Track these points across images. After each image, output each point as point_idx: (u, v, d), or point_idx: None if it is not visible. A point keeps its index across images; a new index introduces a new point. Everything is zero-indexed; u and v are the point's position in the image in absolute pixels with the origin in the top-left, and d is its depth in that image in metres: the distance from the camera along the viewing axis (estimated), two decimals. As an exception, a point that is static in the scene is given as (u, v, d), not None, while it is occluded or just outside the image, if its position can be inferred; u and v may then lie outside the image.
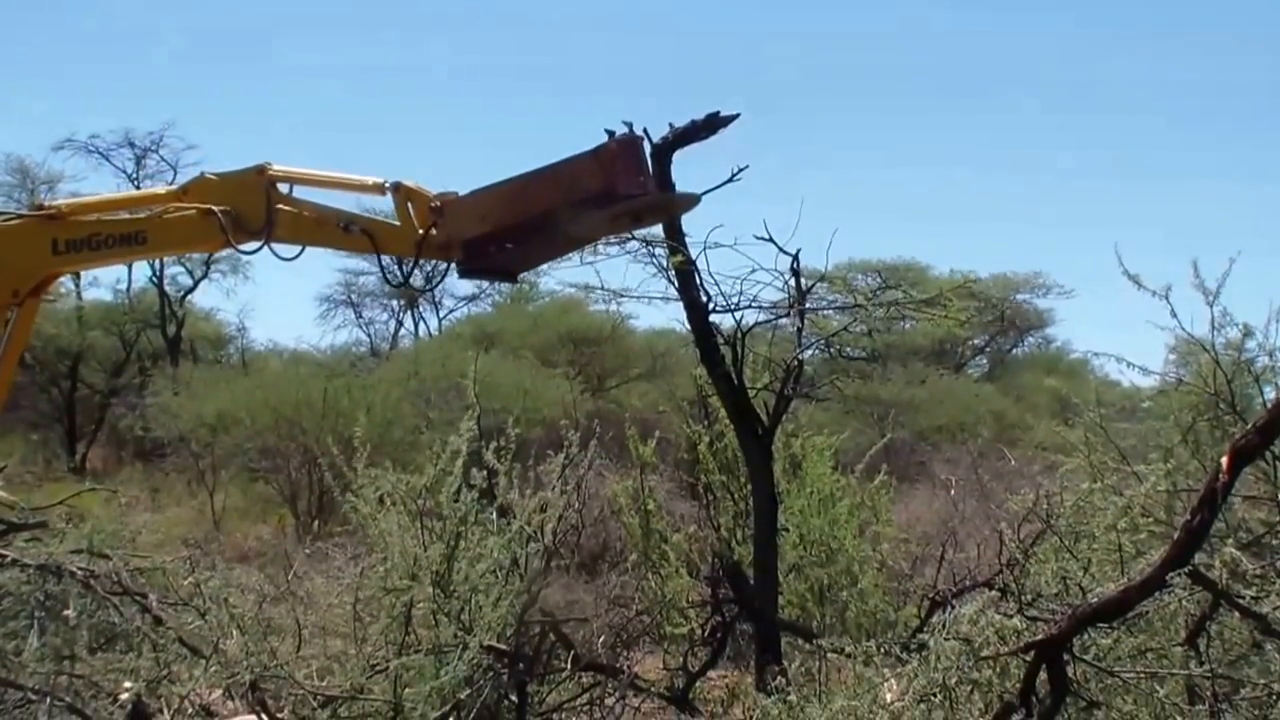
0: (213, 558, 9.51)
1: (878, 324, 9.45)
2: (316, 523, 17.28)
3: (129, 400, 26.50)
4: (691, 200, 7.01)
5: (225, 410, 20.58)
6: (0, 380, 7.30)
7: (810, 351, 10.32)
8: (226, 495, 19.94)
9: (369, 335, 35.68)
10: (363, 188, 7.28)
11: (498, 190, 6.39)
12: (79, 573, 6.82)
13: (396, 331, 35.98)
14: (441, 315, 35.04)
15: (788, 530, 8.97)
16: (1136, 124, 60.96)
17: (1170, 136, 59.72)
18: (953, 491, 9.96)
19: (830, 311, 9.37)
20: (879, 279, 30.06)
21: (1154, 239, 44.99)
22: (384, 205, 7.06)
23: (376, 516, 6.67)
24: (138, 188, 30.39)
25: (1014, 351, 38.72)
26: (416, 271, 6.89)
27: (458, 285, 33.72)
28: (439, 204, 6.38)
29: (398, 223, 6.50)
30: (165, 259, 27.14)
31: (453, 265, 6.58)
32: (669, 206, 7.21)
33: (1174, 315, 5.65)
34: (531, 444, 7.62)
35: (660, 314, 52.22)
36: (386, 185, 6.75)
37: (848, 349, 11.61)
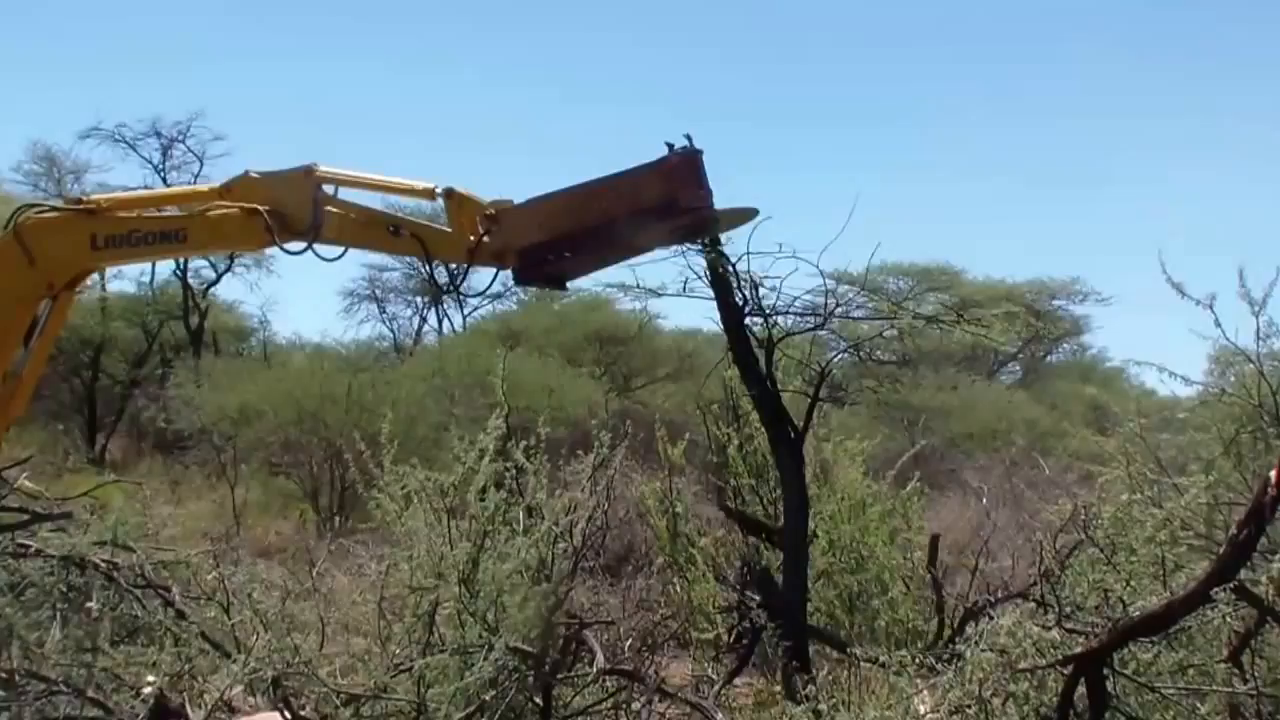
0: (235, 552, 9.49)
1: (913, 326, 9.33)
2: (338, 519, 17.27)
3: (150, 391, 26.54)
4: (748, 214, 7.00)
5: (248, 403, 20.56)
6: (31, 372, 7.28)
7: (840, 355, 10.21)
8: (247, 489, 19.91)
9: (393, 331, 35.74)
10: (412, 192, 7.24)
11: (556, 199, 6.40)
12: (102, 565, 6.80)
13: (420, 327, 36.00)
14: (466, 312, 35.03)
15: (817, 536, 8.87)
16: (1180, 127, 60.57)
17: (1213, 140, 59.14)
18: (985, 500, 9.83)
19: (860, 314, 9.24)
20: (912, 283, 30.03)
21: (1198, 246, 44.56)
22: (409, 205, 7.05)
23: (402, 514, 6.60)
24: (164, 178, 30.60)
25: (1049, 358, 38.51)
26: (445, 270, 6.84)
27: (482, 283, 33.67)
28: (493, 211, 6.36)
29: (448, 228, 6.47)
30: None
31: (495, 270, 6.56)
32: (728, 220, 7.20)
33: (1218, 324, 5.53)
34: (558, 444, 7.54)
35: (689, 313, 52.20)
36: (438, 190, 6.72)
37: (878, 353, 11.55)
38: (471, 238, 6.32)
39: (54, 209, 6.95)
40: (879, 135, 61.38)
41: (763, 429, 8.64)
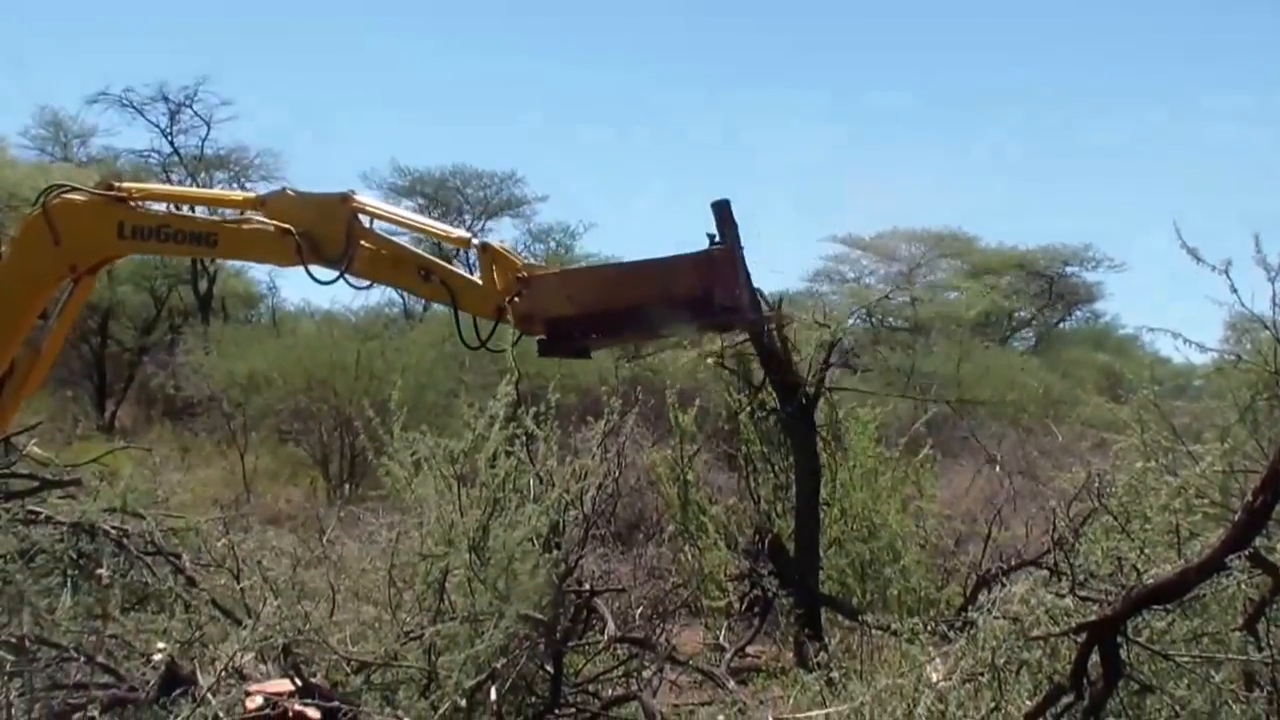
0: (245, 520, 9.47)
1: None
2: (348, 486, 17.27)
3: (159, 358, 26.53)
4: (776, 317, 6.99)
5: (257, 370, 20.54)
6: (48, 351, 7.29)
7: (852, 321, 10.15)
8: (257, 457, 19.93)
9: (402, 298, 35.62)
10: (447, 238, 7.24)
11: (588, 275, 6.40)
12: (112, 531, 6.77)
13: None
14: (474, 276, 34.81)
15: (829, 504, 8.83)
16: (1192, 92, 60.04)
17: (1230, 105, 58.57)
18: (998, 468, 9.78)
19: (871, 281, 9.18)
20: (924, 249, 29.92)
21: (1214, 212, 44.22)
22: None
23: (412, 481, 6.57)
24: (171, 142, 30.55)
25: (1061, 325, 38.22)
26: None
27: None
28: (526, 275, 6.32)
29: (479, 281, 6.44)
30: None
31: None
32: (757, 323, 7.19)
33: (1234, 290, 5.45)
34: (569, 411, 7.49)
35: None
36: (474, 242, 6.69)
37: (890, 320, 11.52)
38: (503, 296, 6.30)
39: (85, 192, 6.93)
40: (891, 98, 61.01)
41: (775, 395, 8.61)
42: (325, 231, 6.51)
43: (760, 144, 60.17)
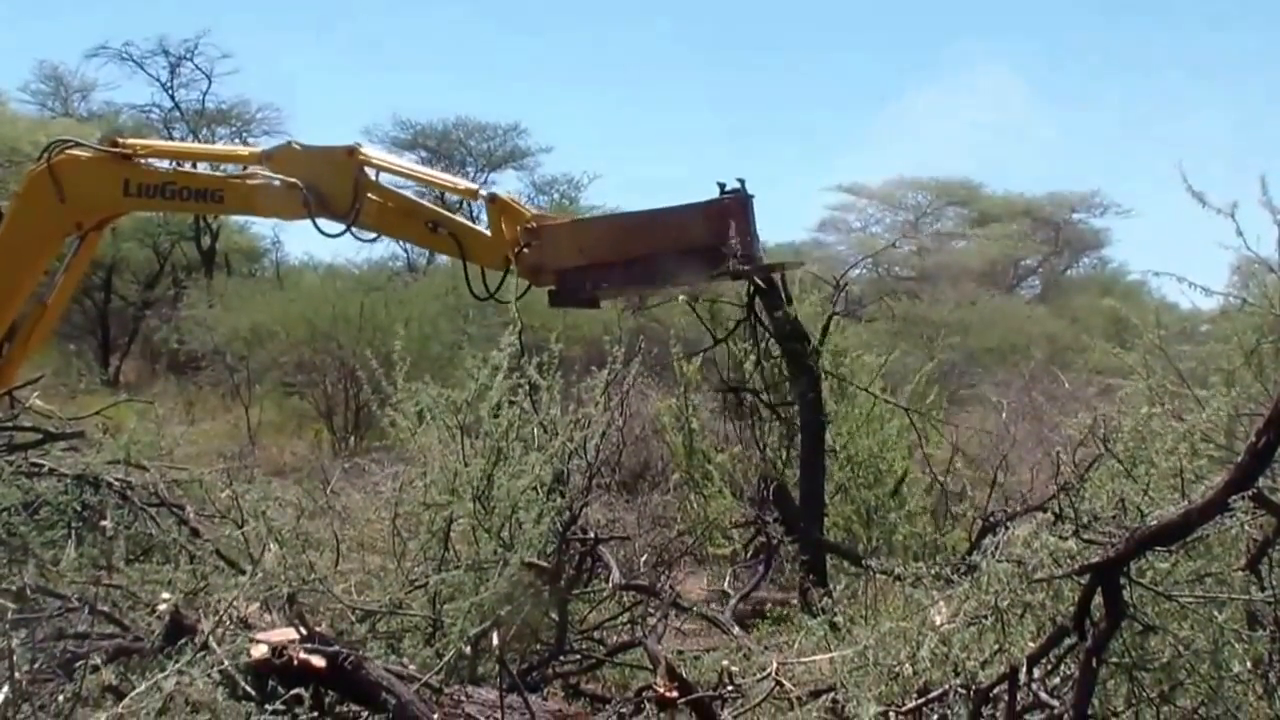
0: (250, 472, 9.48)
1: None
2: (352, 438, 17.30)
3: (163, 313, 26.54)
4: (791, 264, 6.93)
5: (260, 323, 20.52)
6: (54, 306, 7.28)
7: (858, 270, 10.10)
8: (261, 409, 19.97)
9: (405, 250, 35.56)
10: (454, 189, 7.15)
11: (600, 225, 6.36)
12: (116, 483, 6.77)
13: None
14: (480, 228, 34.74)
15: (835, 451, 8.81)
16: (1199, 33, 59.43)
17: (1234, 44, 57.93)
18: (1004, 415, 9.74)
19: (877, 230, 9.11)
20: (930, 197, 29.71)
21: (1221, 153, 43.79)
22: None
23: (416, 431, 6.55)
24: (172, 96, 30.37)
25: (1068, 272, 38.03)
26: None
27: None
28: (535, 225, 6.25)
29: (487, 232, 6.36)
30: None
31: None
32: (769, 269, 7.12)
33: (1240, 234, 5.39)
34: (573, 361, 7.46)
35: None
36: (482, 193, 6.62)
37: (896, 269, 11.45)
38: (511, 248, 6.23)
39: (90, 148, 6.86)
40: (892, 46, 60.45)
41: (779, 343, 8.55)
42: (332, 185, 6.47)
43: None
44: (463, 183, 6.73)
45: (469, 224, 6.67)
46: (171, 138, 29.76)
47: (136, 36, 32.00)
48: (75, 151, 6.80)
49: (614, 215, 6.27)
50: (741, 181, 6.43)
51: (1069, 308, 28.87)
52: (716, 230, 6.20)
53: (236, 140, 30.58)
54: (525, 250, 6.22)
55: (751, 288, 7.74)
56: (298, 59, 54.88)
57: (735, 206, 6.15)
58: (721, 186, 6.26)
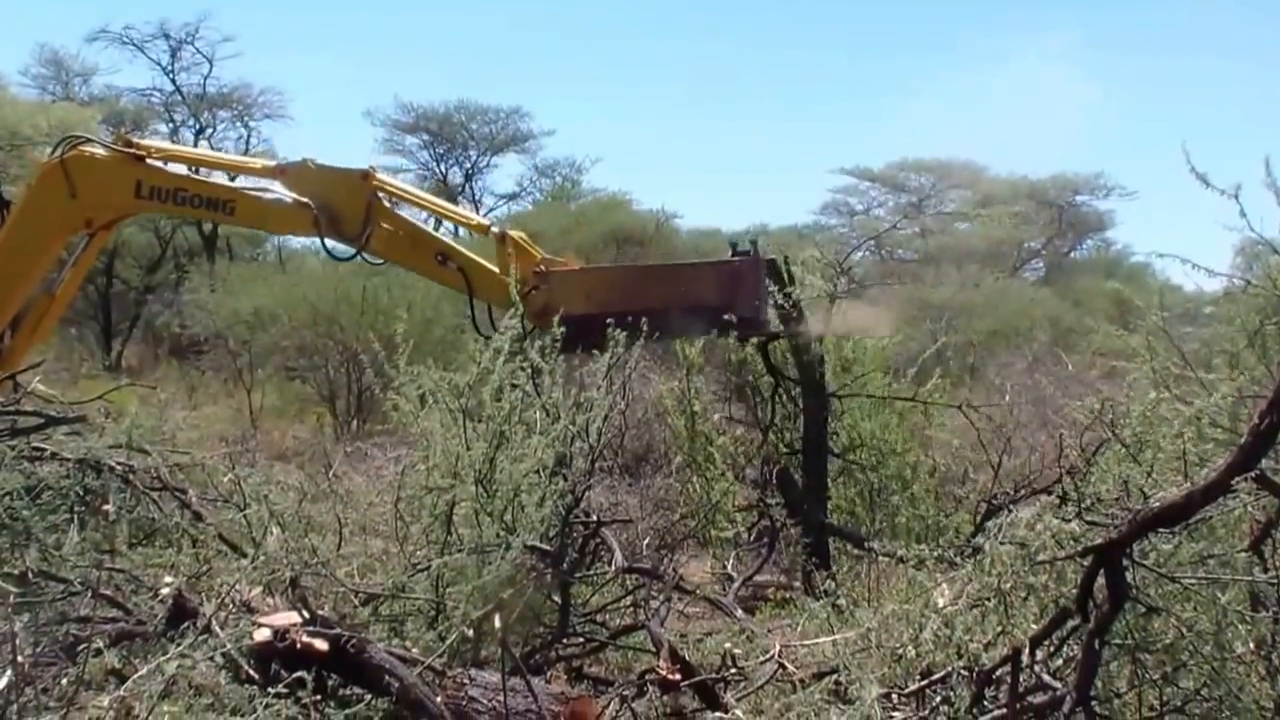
0: (252, 455, 9.48)
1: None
2: (355, 422, 17.29)
3: (165, 297, 26.52)
4: (794, 334, 6.94)
5: (263, 307, 20.46)
6: (62, 298, 7.28)
7: (860, 253, 10.08)
8: (263, 394, 19.95)
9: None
10: (466, 223, 7.15)
11: (610, 274, 6.39)
12: (118, 468, 6.76)
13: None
14: (482, 214, 34.73)
15: (837, 434, 8.80)
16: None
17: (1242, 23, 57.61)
18: (1008, 397, 9.72)
19: (880, 213, 9.11)
20: (933, 179, 29.61)
21: (1227, 135, 43.64)
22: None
23: (418, 415, 6.54)
24: (173, 79, 30.31)
25: (1072, 255, 37.93)
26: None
27: (496, 184, 33.37)
28: (545, 269, 6.25)
29: (495, 268, 6.36)
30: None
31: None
32: (774, 336, 7.18)
33: (1243, 215, 5.38)
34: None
35: (707, 213, 52.18)
36: (493, 230, 6.61)
37: (899, 251, 11.42)
38: (520, 288, 6.24)
39: (104, 147, 6.84)
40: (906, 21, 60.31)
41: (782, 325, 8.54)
42: (345, 208, 6.49)
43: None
44: (475, 217, 6.78)
45: (478, 259, 6.69)
46: (173, 121, 29.69)
47: (137, 20, 31.97)
48: (89, 149, 6.78)
49: (624, 266, 6.37)
50: (754, 243, 6.53)
51: (1073, 290, 28.78)
52: (726, 291, 6.30)
53: (238, 124, 30.51)
54: (534, 292, 6.25)
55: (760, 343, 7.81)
56: (299, 41, 54.66)
57: (747, 269, 6.23)
58: (734, 247, 6.34)
